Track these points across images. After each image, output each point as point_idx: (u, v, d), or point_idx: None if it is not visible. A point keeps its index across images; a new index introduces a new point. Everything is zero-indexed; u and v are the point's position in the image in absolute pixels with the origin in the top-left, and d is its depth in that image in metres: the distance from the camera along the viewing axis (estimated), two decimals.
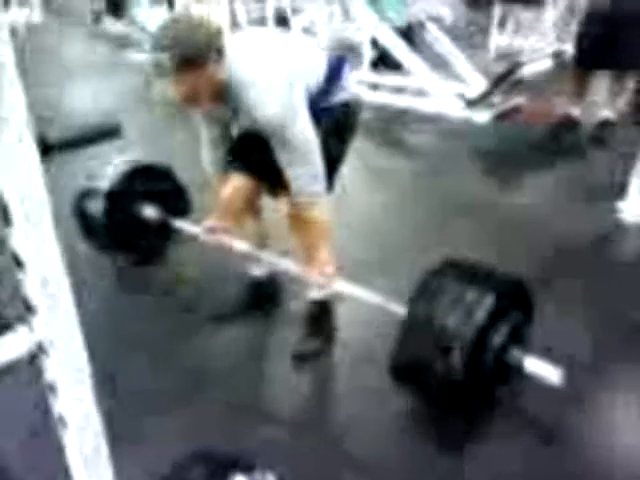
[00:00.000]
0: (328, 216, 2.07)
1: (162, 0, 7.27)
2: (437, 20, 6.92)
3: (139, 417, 1.87)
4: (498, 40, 6.73)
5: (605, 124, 4.32)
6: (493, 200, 3.39)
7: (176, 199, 2.68)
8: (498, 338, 1.65)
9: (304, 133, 1.86)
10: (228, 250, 2.26)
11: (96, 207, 2.48)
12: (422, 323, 1.63)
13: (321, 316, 2.29)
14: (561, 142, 4.27)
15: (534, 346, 1.78)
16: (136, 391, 2.00)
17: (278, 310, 2.46)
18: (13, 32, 7.16)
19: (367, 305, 1.95)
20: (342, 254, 2.27)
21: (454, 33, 6.32)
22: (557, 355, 1.75)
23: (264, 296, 2.50)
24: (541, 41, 6.24)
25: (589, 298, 2.49)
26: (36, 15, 9.97)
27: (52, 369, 1.00)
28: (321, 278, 2.10)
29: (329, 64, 2.03)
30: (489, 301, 1.59)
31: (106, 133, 4.14)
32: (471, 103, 4.43)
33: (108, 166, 2.58)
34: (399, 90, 5.06)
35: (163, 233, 2.65)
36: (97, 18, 8.79)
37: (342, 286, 2.08)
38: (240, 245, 2.25)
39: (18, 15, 9.59)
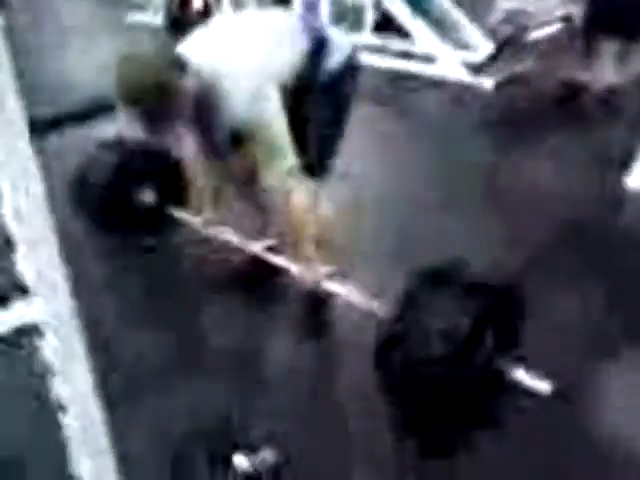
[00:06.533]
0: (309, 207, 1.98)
1: None
2: None
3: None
4: (504, 3, 6.55)
5: (613, 90, 4.22)
6: (496, 168, 3.35)
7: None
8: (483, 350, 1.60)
9: (273, 125, 1.82)
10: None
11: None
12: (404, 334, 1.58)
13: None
14: (567, 108, 4.19)
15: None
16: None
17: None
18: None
19: None
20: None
21: None
22: None
23: None
24: (548, 3, 6.07)
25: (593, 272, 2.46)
26: None
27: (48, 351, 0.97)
28: (307, 273, 2.03)
29: (311, 41, 1.92)
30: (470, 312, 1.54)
31: (101, 108, 3.98)
32: (476, 69, 4.34)
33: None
34: (403, 54, 4.94)
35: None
36: None
37: (330, 285, 2.01)
38: (233, 237, 2.24)
39: None
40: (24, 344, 0.97)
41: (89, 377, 1.01)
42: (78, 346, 1.00)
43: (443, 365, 1.50)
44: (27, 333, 0.96)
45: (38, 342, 0.97)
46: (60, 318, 0.97)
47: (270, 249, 2.20)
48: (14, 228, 0.90)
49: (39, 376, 0.99)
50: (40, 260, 0.94)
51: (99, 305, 2.14)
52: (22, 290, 0.95)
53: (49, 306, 0.95)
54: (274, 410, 1.78)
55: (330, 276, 2.01)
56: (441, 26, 4.95)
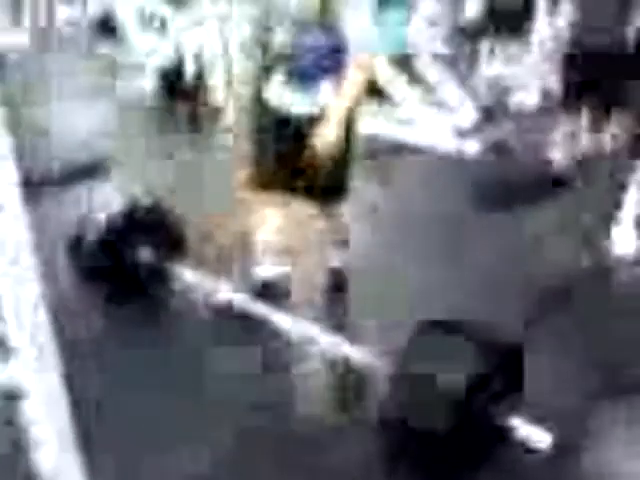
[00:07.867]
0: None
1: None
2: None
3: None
4: (487, 71, 6.77)
5: (589, 158, 4.30)
6: (481, 235, 3.38)
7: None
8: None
9: None
10: None
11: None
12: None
13: None
14: (546, 173, 4.23)
15: None
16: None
17: None
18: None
19: None
20: None
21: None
22: None
23: None
24: (528, 74, 6.28)
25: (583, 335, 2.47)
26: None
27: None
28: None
29: None
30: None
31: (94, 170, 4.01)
32: (462, 133, 4.45)
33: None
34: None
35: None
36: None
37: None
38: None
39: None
40: (6, 406, 0.95)
41: (73, 443, 0.99)
42: (63, 411, 0.98)
43: (446, 424, 1.57)
44: (10, 395, 0.95)
45: (21, 404, 0.95)
46: (45, 379, 0.96)
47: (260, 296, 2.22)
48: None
49: (23, 443, 0.97)
50: (28, 320, 0.93)
51: (88, 363, 2.10)
52: (8, 351, 0.94)
53: (35, 367, 0.94)
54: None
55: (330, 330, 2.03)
56: (425, 90, 5.07)
